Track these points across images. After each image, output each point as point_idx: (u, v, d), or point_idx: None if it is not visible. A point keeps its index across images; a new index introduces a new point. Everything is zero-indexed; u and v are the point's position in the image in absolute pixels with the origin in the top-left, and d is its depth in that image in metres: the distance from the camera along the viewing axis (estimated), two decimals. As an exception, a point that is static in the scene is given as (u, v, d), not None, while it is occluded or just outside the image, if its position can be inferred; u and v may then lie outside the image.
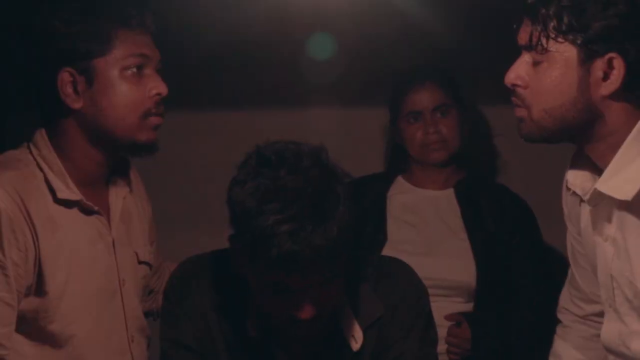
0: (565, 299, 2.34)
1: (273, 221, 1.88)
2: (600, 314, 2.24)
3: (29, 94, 2.26)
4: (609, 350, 2.14)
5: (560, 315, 2.37)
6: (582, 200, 2.09)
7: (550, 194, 2.32)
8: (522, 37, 1.99)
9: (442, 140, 3.05)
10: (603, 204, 2.01)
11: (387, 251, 2.96)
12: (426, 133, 3.05)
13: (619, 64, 1.92)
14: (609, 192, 1.97)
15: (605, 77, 1.93)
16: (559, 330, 2.38)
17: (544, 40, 1.94)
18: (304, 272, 1.92)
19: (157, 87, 2.20)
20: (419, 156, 3.10)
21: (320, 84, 3.20)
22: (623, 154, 1.95)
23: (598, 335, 2.26)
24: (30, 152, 2.20)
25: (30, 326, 2.16)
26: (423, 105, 3.05)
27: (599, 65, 1.93)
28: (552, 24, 1.93)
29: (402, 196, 3.14)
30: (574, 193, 2.10)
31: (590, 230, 2.08)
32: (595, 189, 1.99)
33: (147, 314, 2.46)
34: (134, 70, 2.17)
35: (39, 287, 2.14)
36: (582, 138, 2.01)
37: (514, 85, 2.01)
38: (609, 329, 2.11)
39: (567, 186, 2.14)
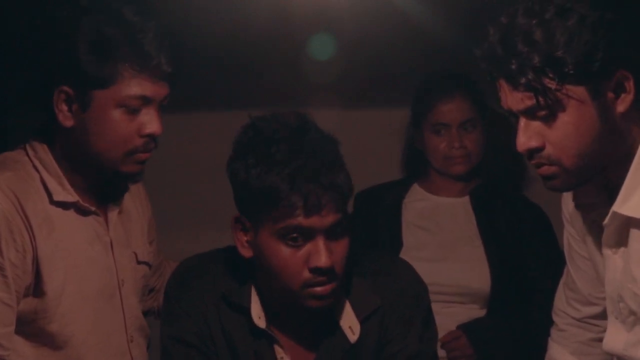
0: (561, 300, 2.32)
1: (287, 166, 2.01)
2: (597, 316, 2.23)
3: (29, 98, 2.26)
4: (611, 355, 2.13)
5: (555, 318, 2.35)
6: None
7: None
8: (519, 103, 1.89)
9: (466, 155, 3.05)
10: (618, 221, 1.98)
11: (402, 257, 2.96)
12: (451, 147, 3.05)
13: (627, 80, 1.86)
14: (631, 214, 1.92)
15: (617, 95, 1.88)
16: (553, 334, 2.35)
17: (551, 101, 1.85)
18: (320, 210, 2.02)
19: (151, 127, 2.15)
20: (440, 167, 3.09)
21: (321, 84, 3.20)
22: (635, 172, 1.92)
23: (595, 340, 2.25)
24: (27, 154, 2.20)
25: (30, 327, 2.17)
26: (451, 119, 3.04)
27: (609, 88, 1.86)
28: (549, 78, 1.84)
29: (418, 203, 3.14)
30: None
31: (597, 241, 2.07)
32: (614, 211, 1.94)
33: (148, 313, 2.47)
34: (131, 108, 2.14)
35: (37, 288, 2.15)
36: (611, 162, 1.94)
37: (531, 149, 1.92)
38: (614, 339, 2.08)
39: (574, 205, 2.12)
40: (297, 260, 2.05)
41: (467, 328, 2.95)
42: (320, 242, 2.04)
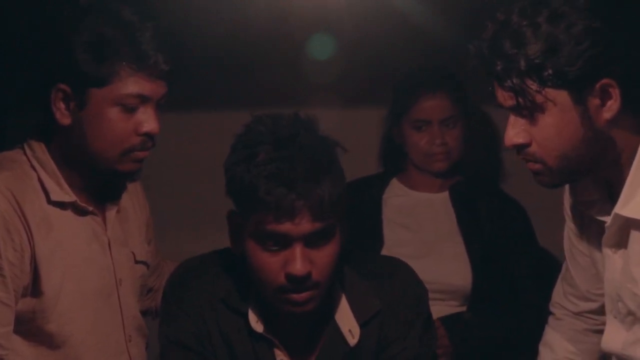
0: (559, 295, 2.33)
1: (266, 169, 1.98)
2: (595, 312, 2.25)
3: (27, 97, 2.26)
4: (609, 354, 2.14)
5: (552, 309, 2.36)
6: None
7: (549, 198, 2.31)
8: (505, 101, 1.93)
9: (447, 151, 3.05)
10: (619, 222, 1.99)
11: (382, 254, 2.96)
12: (432, 144, 3.04)
13: (612, 88, 1.88)
14: (632, 215, 1.94)
15: (603, 103, 1.89)
16: (551, 321, 2.37)
17: (530, 103, 1.89)
18: (293, 217, 1.98)
19: (148, 125, 2.15)
20: (421, 164, 3.09)
21: (320, 84, 3.20)
22: (635, 174, 1.93)
23: (591, 330, 2.28)
24: (25, 153, 2.20)
25: (28, 326, 2.17)
26: (432, 116, 3.03)
27: (593, 95, 1.88)
28: (531, 81, 1.87)
29: (397, 199, 3.13)
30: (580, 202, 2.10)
31: (596, 238, 2.07)
32: (616, 213, 1.96)
33: (146, 313, 2.47)
34: (128, 107, 2.14)
35: (35, 287, 2.15)
36: (599, 166, 1.97)
37: (517, 145, 1.96)
38: (612, 337, 2.09)
39: (572, 203, 2.14)
40: (274, 265, 2.03)
41: (445, 321, 2.94)
42: (296, 249, 2.01)
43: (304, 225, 2.00)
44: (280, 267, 2.03)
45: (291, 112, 2.11)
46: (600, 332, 2.16)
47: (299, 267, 2.01)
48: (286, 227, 2.00)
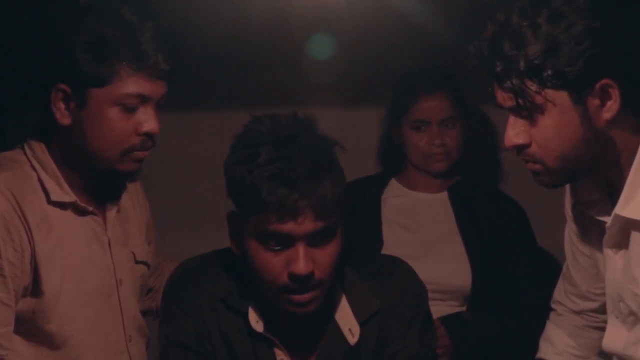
0: (560, 293, 2.33)
1: (267, 169, 1.98)
2: (595, 311, 2.26)
3: (27, 97, 2.26)
4: (611, 354, 2.14)
5: (554, 306, 2.37)
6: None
7: (548, 198, 2.31)
8: (504, 101, 1.93)
9: (446, 152, 3.05)
10: (619, 223, 1.99)
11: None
12: (431, 144, 3.04)
13: (612, 88, 1.88)
14: (632, 216, 1.94)
15: (603, 103, 1.89)
16: (552, 316, 2.37)
17: (530, 104, 1.89)
18: (296, 216, 1.99)
19: (148, 125, 2.15)
20: (420, 164, 3.09)
21: (321, 84, 3.20)
22: (635, 175, 1.93)
23: (591, 327, 2.28)
24: (25, 153, 2.20)
25: (28, 326, 2.17)
26: (432, 116, 3.03)
27: (593, 96, 1.88)
28: (531, 82, 1.87)
29: (396, 199, 3.13)
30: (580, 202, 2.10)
31: (597, 239, 2.07)
32: (617, 214, 1.96)
33: (146, 313, 2.47)
34: (128, 107, 2.14)
35: (35, 288, 2.15)
36: (599, 166, 1.97)
37: (517, 145, 1.95)
38: (614, 338, 2.09)
39: (573, 203, 2.14)
40: (277, 265, 2.03)
41: (445, 321, 2.95)
42: (299, 249, 2.01)
43: (307, 224, 2.00)
44: (283, 267, 2.03)
45: (288, 112, 2.11)
46: (600, 329, 2.17)
47: (302, 266, 2.01)
48: (289, 226, 2.00)
